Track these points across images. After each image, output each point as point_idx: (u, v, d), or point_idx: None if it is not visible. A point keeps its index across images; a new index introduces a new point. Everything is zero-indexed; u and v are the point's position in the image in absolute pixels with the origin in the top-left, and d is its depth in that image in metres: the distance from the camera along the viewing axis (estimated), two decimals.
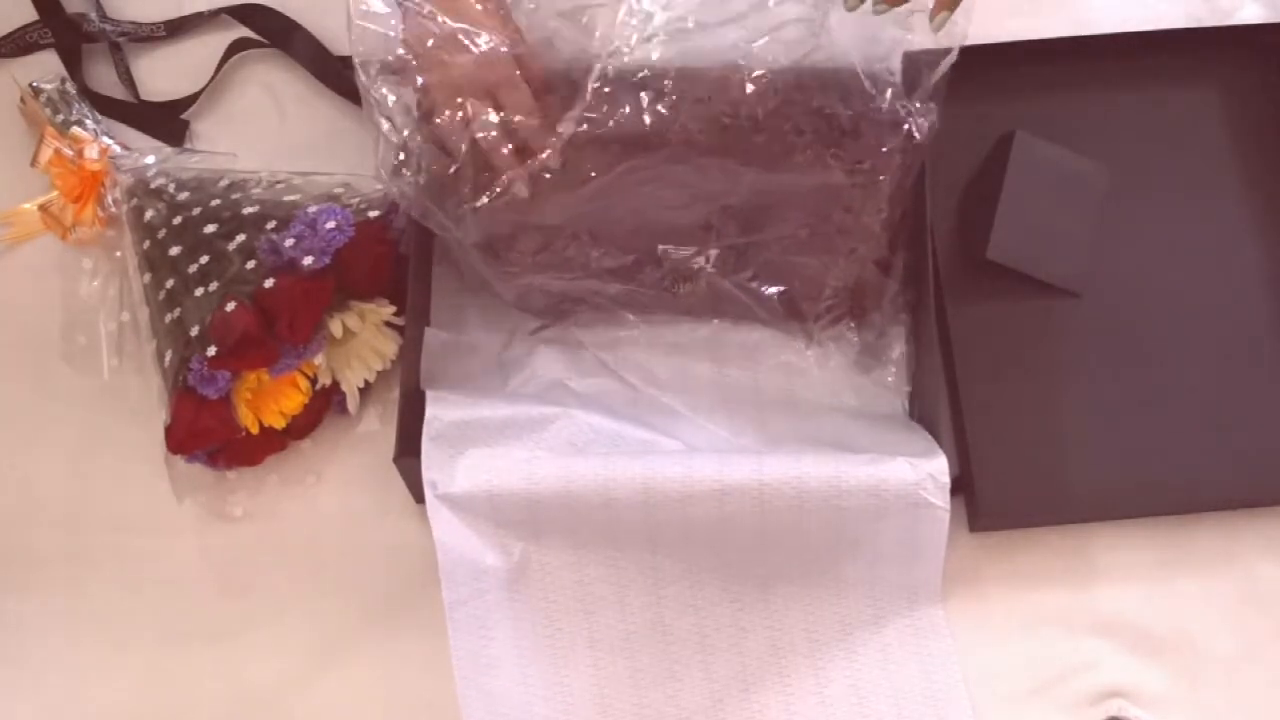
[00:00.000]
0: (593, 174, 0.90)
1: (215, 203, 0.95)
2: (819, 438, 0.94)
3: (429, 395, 0.90)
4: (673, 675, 0.91)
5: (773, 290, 0.97)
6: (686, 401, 0.98)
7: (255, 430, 0.94)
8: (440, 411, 0.89)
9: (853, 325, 1.00)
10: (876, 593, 0.92)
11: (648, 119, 0.90)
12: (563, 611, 0.90)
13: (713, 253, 0.95)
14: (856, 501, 0.86)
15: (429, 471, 0.87)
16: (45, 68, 1.11)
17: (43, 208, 1.03)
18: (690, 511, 0.87)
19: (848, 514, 0.87)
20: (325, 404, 0.99)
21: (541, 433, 0.90)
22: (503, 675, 0.88)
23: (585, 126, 0.89)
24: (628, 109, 0.90)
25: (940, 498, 0.87)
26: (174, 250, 0.93)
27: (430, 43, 0.89)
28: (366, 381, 0.99)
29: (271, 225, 0.91)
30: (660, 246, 0.95)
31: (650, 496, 0.86)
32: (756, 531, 0.89)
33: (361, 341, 0.97)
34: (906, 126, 0.92)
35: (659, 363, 0.99)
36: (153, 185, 0.98)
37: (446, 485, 0.86)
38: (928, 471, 0.86)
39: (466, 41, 0.89)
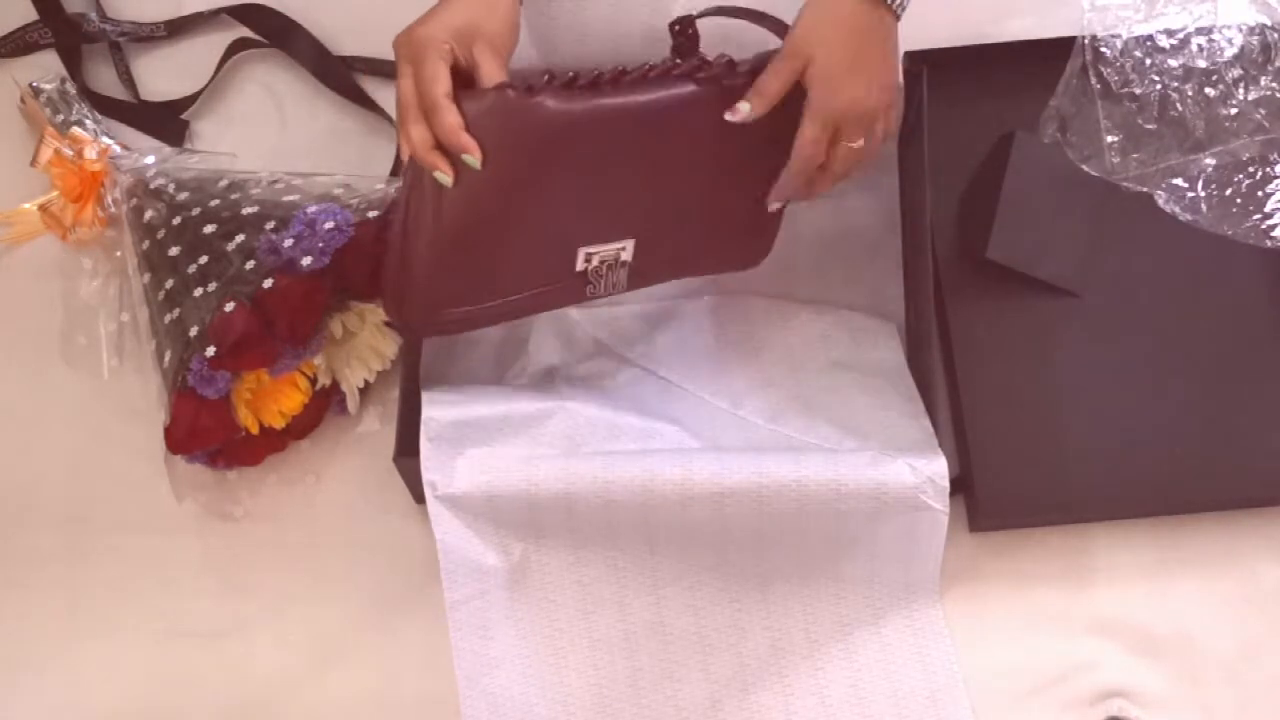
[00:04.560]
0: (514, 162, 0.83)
1: (215, 203, 0.95)
2: (819, 406, 0.95)
3: (424, 396, 0.90)
4: (672, 676, 0.91)
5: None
6: (684, 374, 0.98)
7: (255, 430, 0.94)
8: (437, 412, 0.89)
9: None
10: (875, 593, 0.92)
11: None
12: (563, 612, 0.90)
13: (630, 242, 0.90)
14: (856, 504, 0.86)
15: (428, 472, 0.87)
16: (45, 68, 1.11)
17: (43, 208, 1.03)
18: (690, 513, 0.87)
19: (847, 516, 0.87)
20: (325, 404, 0.99)
21: (539, 429, 0.90)
22: (503, 675, 0.88)
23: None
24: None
25: (940, 501, 0.87)
26: (174, 250, 0.93)
27: None
28: (366, 381, 0.99)
29: (271, 225, 0.91)
30: (582, 249, 0.89)
31: (650, 498, 0.86)
32: (755, 533, 0.89)
33: (361, 341, 0.97)
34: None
35: (656, 336, 0.99)
36: (152, 185, 0.98)
37: (446, 486, 0.86)
38: (928, 475, 0.86)
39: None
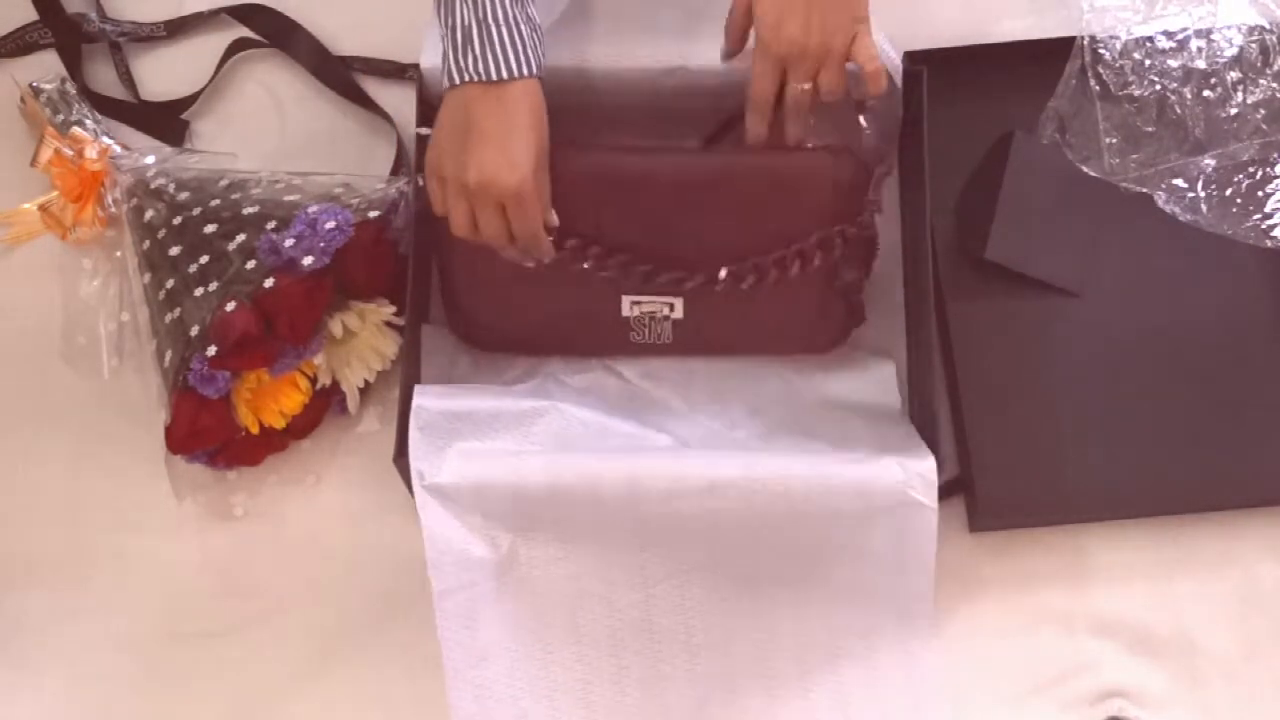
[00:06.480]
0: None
1: (215, 203, 0.95)
2: (814, 431, 0.94)
3: (417, 388, 0.90)
4: (658, 675, 0.90)
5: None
6: (680, 394, 0.98)
7: (255, 430, 0.94)
8: (428, 402, 0.88)
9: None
10: (865, 599, 0.91)
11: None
12: (550, 606, 0.90)
13: (679, 300, 0.96)
14: (845, 501, 0.86)
15: (416, 461, 0.86)
16: (45, 68, 1.11)
17: (43, 208, 1.03)
18: (678, 507, 0.86)
19: (836, 514, 0.87)
20: (325, 404, 0.99)
21: (530, 426, 0.90)
22: (490, 667, 0.87)
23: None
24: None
25: (929, 497, 0.86)
26: (174, 250, 0.93)
27: None
28: (366, 381, 0.99)
29: (272, 225, 0.91)
30: (626, 298, 0.96)
31: (637, 491, 0.86)
32: (745, 530, 0.88)
33: (361, 341, 0.97)
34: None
35: (653, 356, 0.99)
36: (153, 185, 0.98)
37: (434, 475, 0.86)
38: (916, 471, 0.86)
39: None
